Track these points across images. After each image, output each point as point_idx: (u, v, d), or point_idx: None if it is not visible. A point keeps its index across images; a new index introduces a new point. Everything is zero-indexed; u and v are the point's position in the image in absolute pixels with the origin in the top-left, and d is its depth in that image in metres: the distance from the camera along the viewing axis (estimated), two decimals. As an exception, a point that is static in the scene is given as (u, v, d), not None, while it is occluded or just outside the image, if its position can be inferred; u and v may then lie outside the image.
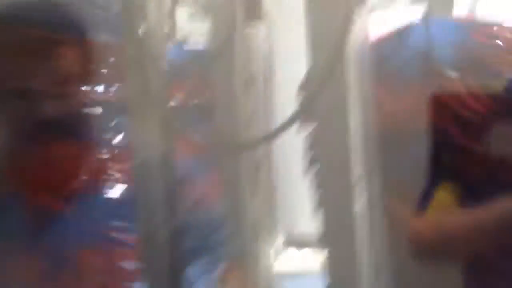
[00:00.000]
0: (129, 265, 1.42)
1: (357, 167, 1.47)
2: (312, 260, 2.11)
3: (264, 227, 1.69)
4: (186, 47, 2.06)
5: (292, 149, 2.10)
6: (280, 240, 2.06)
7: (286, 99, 2.15)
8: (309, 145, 1.98)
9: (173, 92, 1.76)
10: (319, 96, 1.51)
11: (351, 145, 1.49)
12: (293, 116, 1.86)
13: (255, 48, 1.74)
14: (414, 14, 1.95)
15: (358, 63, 1.45)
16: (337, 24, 1.48)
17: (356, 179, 1.44)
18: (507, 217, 1.26)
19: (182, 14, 2.01)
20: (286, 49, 2.28)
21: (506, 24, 1.74)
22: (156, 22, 1.77)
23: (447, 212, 1.37)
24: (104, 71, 1.87)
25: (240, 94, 1.70)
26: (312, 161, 1.98)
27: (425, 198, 1.42)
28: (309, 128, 1.91)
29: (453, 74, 1.64)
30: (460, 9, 2.23)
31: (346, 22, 1.46)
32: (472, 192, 1.37)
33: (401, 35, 1.77)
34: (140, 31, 1.74)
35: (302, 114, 1.64)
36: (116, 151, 1.70)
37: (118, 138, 1.77)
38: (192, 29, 2.11)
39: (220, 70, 1.71)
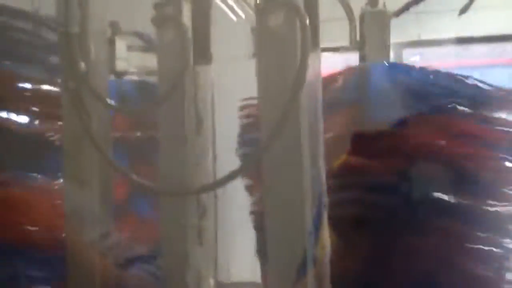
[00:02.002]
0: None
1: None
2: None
3: (205, 278, 1.61)
4: (127, 79, 2.01)
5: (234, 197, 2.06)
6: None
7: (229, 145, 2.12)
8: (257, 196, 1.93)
9: (116, 125, 1.69)
10: (273, 145, 1.43)
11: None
12: (244, 165, 1.79)
13: (204, 89, 1.66)
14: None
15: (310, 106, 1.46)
16: (291, 70, 1.43)
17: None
18: None
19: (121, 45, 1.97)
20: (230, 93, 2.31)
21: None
22: (97, 56, 1.70)
23: None
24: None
25: (190, 135, 1.60)
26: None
27: None
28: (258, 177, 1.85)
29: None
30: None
31: (301, 69, 1.41)
32: None
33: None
34: (81, 66, 1.68)
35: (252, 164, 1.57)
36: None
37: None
38: (132, 60, 2.06)
39: (169, 108, 1.62)
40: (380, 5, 2.71)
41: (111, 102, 1.69)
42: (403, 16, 2.90)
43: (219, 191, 1.57)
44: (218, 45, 1.74)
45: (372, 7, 2.70)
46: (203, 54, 1.64)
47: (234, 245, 2.40)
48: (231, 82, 2.43)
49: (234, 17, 2.79)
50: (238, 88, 2.28)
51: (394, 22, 2.76)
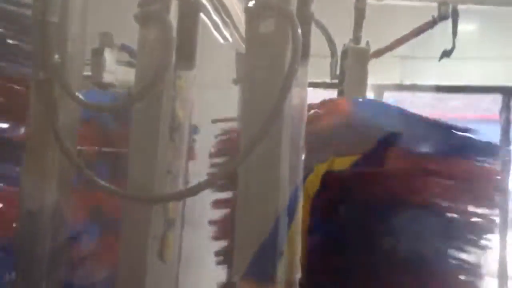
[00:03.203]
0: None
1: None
2: None
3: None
4: (111, 91, 1.93)
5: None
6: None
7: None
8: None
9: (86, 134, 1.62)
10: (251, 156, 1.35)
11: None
12: (219, 173, 1.69)
13: (185, 95, 1.59)
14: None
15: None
16: (278, 79, 1.37)
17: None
18: None
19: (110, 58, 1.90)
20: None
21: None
22: (74, 54, 1.61)
23: None
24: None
25: (164, 140, 1.51)
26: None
27: None
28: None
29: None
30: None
31: (288, 76, 1.34)
32: None
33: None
34: (55, 58, 1.57)
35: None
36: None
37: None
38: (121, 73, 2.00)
39: (144, 114, 1.53)
40: (363, 43, 2.72)
41: (81, 97, 1.58)
42: (387, 60, 2.91)
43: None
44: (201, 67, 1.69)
45: (354, 44, 2.71)
46: (187, 58, 1.57)
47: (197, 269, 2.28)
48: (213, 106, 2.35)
49: (221, 40, 2.74)
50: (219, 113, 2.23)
51: (378, 65, 2.78)
